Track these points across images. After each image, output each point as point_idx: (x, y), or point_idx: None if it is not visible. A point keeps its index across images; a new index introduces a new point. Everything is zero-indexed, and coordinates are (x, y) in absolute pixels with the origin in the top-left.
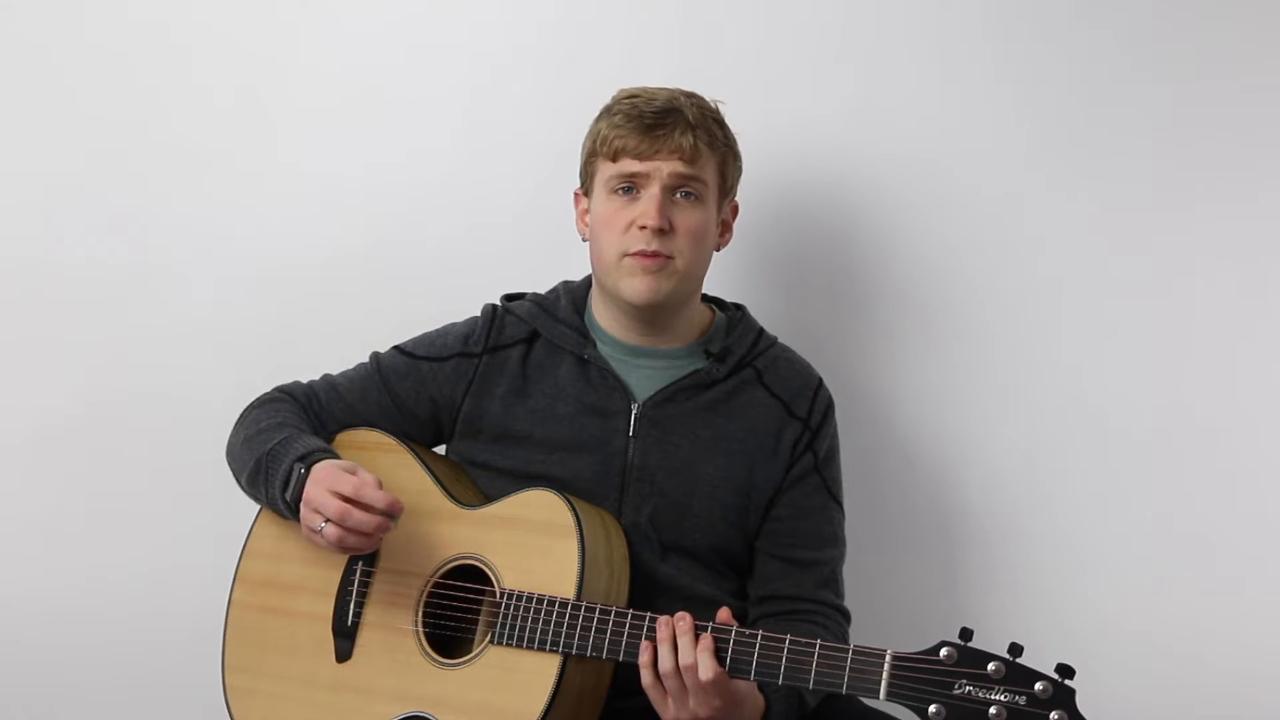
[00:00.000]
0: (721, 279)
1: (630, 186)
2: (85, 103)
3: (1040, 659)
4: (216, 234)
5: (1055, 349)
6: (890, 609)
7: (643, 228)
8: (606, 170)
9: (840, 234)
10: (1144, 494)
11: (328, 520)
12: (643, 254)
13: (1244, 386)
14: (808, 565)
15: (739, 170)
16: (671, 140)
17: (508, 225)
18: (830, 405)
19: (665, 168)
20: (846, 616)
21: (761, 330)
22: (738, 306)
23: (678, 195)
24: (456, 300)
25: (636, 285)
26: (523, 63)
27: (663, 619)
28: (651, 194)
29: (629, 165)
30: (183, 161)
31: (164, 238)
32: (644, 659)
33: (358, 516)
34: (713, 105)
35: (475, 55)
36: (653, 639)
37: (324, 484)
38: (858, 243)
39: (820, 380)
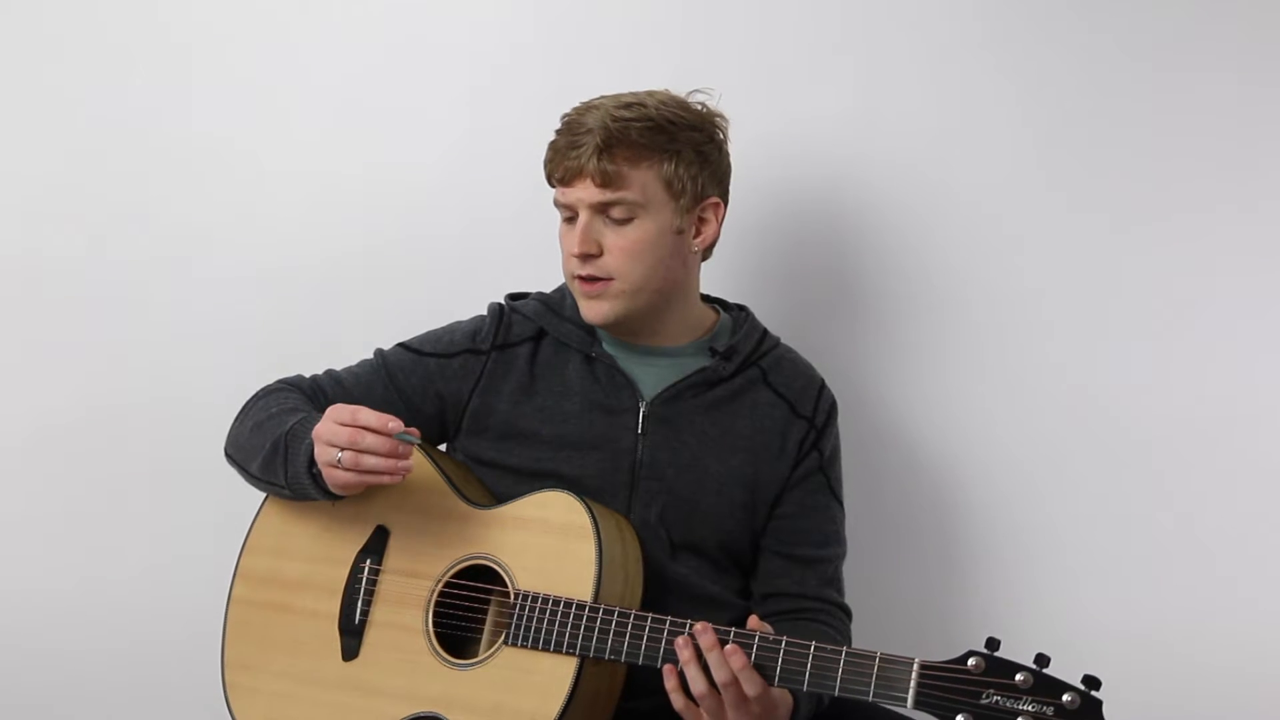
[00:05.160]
0: (721, 280)
1: (570, 215)
2: (85, 102)
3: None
4: (216, 234)
5: (1056, 350)
6: (889, 610)
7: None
8: (553, 195)
9: (840, 235)
10: (1145, 496)
11: (343, 449)
12: (581, 280)
13: (1245, 387)
14: (812, 563)
15: (704, 166)
16: (583, 166)
17: (507, 225)
18: (834, 406)
19: (585, 196)
20: (848, 614)
21: (765, 331)
22: (740, 308)
23: (611, 215)
24: (456, 300)
25: (585, 309)
26: (522, 63)
27: (680, 640)
28: (580, 221)
29: (558, 194)
30: (183, 161)
31: (164, 238)
32: (671, 684)
33: (370, 439)
34: (656, 108)
35: (475, 55)
36: (673, 660)
37: (329, 417)
38: (858, 244)
39: (823, 381)
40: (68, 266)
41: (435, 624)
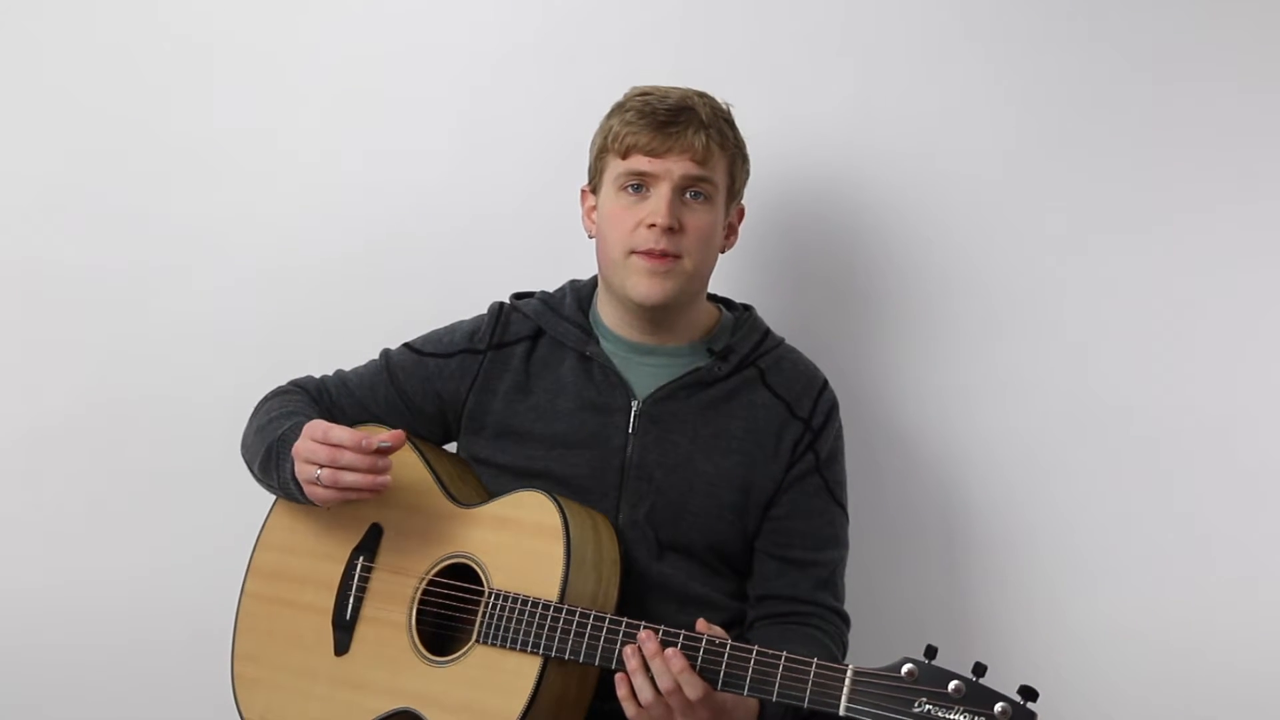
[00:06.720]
0: (726, 279)
1: (640, 184)
2: (85, 102)
3: (1043, 660)
4: (216, 234)
5: (1060, 350)
6: (893, 611)
7: (651, 226)
8: (617, 167)
9: (843, 234)
10: (1148, 495)
11: (321, 466)
12: (650, 253)
13: (1246, 386)
14: (805, 566)
15: (747, 173)
16: (684, 139)
17: (508, 223)
18: (834, 407)
19: (676, 168)
20: (845, 619)
21: (767, 330)
22: (745, 307)
23: (687, 195)
24: (457, 299)
25: (643, 285)
26: (522, 62)
27: (628, 649)
28: (661, 193)
29: (640, 163)
30: (183, 161)
31: (164, 238)
32: (622, 692)
33: (349, 457)
34: (724, 106)
35: (475, 54)
36: (624, 669)
37: (305, 435)
38: (861, 243)
39: (825, 382)
40: (67, 266)
41: (419, 621)
